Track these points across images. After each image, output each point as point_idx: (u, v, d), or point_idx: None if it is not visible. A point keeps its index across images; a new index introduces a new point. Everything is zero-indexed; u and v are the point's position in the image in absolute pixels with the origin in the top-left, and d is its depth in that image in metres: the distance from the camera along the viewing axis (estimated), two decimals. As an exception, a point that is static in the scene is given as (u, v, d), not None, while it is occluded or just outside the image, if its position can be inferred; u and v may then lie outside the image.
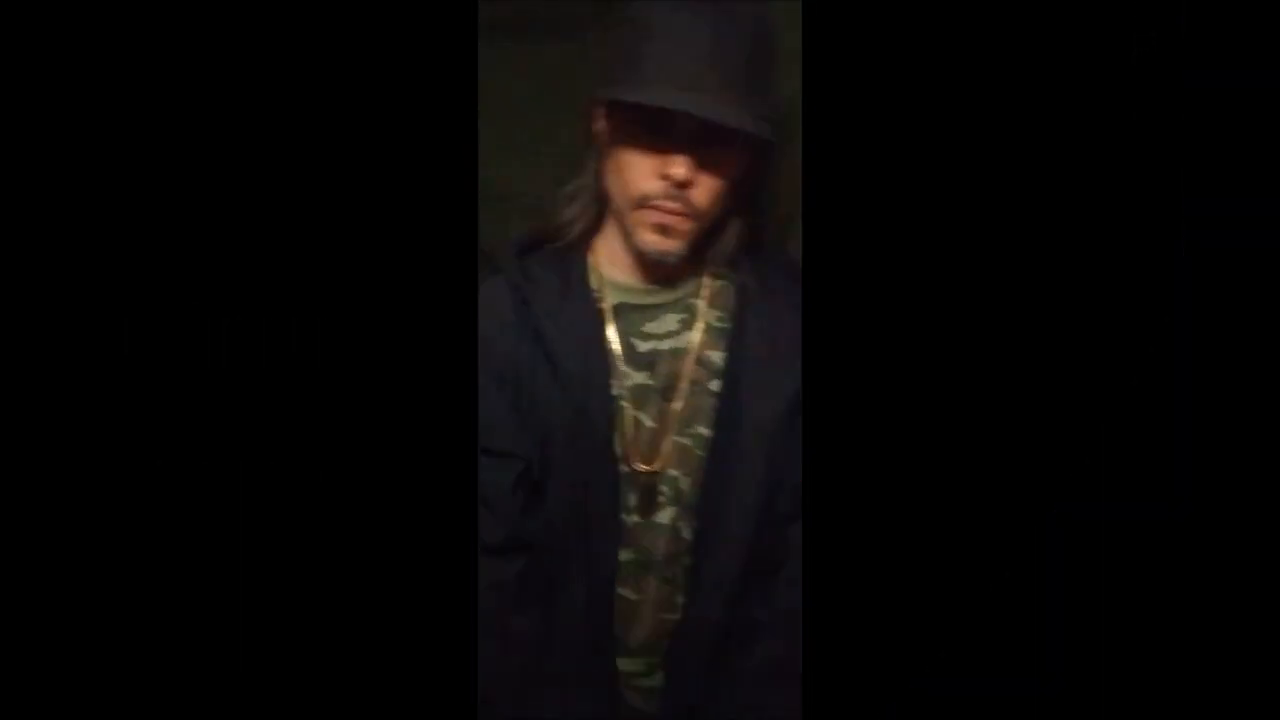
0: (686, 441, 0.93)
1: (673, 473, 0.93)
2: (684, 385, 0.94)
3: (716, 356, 0.95)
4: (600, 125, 0.91)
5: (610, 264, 0.96)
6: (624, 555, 0.93)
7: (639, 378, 0.94)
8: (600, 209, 0.96)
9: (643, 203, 0.89)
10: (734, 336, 0.95)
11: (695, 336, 0.95)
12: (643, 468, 0.93)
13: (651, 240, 0.90)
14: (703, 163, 0.87)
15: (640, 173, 0.88)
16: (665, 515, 0.93)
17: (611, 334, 0.94)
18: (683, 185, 0.87)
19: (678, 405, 0.93)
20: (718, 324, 0.96)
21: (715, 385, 0.94)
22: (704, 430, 0.93)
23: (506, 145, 1.45)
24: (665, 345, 0.95)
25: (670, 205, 0.88)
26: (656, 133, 0.86)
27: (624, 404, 0.93)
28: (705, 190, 0.89)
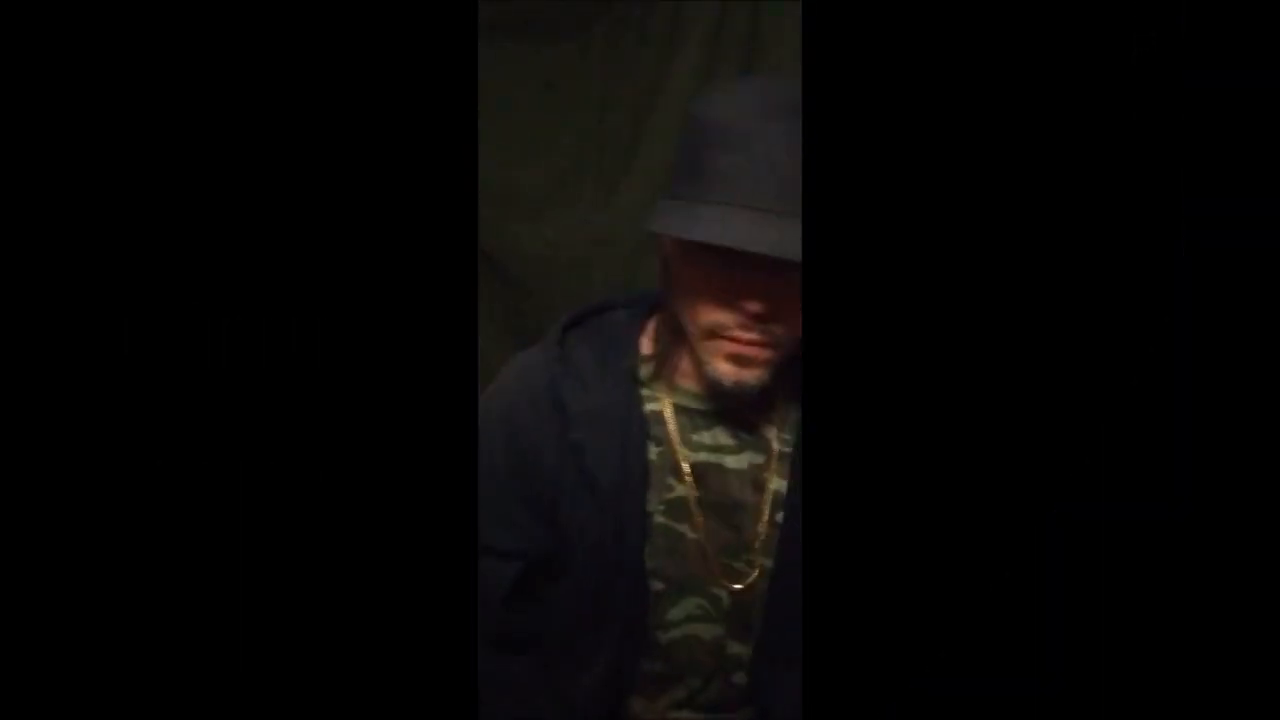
0: (757, 570, 0.85)
1: (719, 592, 0.85)
2: (752, 514, 0.84)
3: (778, 484, 0.85)
4: (666, 247, 0.81)
5: (675, 375, 0.85)
6: (653, 667, 0.86)
7: (681, 490, 0.84)
8: (672, 338, 0.84)
9: (715, 333, 0.78)
10: (795, 457, 0.84)
11: (754, 458, 0.85)
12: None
13: (726, 370, 0.79)
14: (783, 293, 0.75)
15: (711, 302, 0.77)
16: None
17: (662, 436, 0.84)
18: (760, 318, 0.76)
19: (746, 531, 0.84)
20: (782, 447, 0.85)
21: (784, 516, 0.85)
22: (764, 560, 0.85)
23: (506, 145, 1.45)
24: (717, 459, 0.85)
25: (747, 336, 0.77)
26: (724, 262, 0.74)
27: (664, 521, 0.84)
28: (787, 322, 0.77)
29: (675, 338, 0.84)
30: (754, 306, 0.75)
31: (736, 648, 0.86)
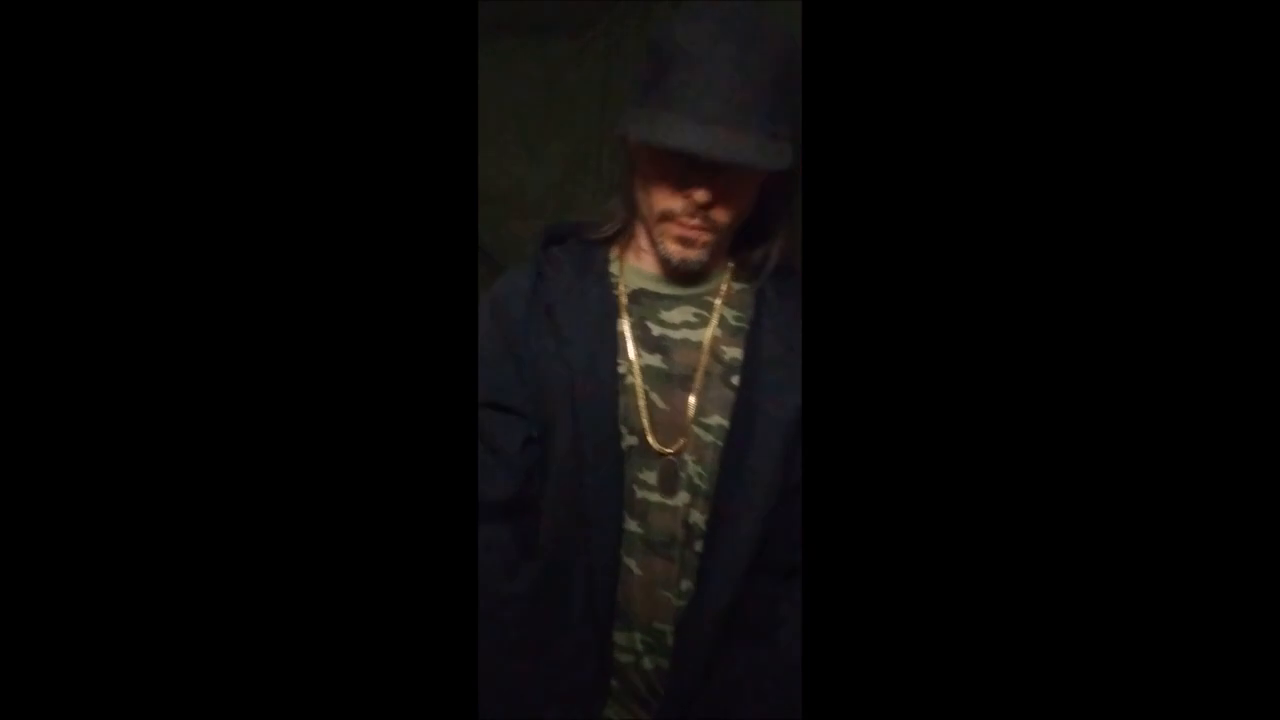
0: (702, 431, 0.95)
1: (689, 458, 0.95)
2: (699, 375, 0.97)
3: (732, 352, 0.98)
4: (631, 146, 0.96)
5: (636, 259, 1.02)
6: (632, 527, 0.95)
7: (651, 360, 0.97)
8: (630, 216, 1.02)
9: (666, 217, 0.95)
10: (750, 336, 0.98)
11: (710, 331, 0.99)
12: (659, 448, 0.95)
13: (674, 249, 0.96)
14: (724, 187, 0.93)
15: (664, 192, 0.94)
16: (680, 499, 0.95)
17: (625, 316, 0.99)
18: (704, 206, 0.93)
19: (693, 393, 0.96)
20: (734, 322, 0.99)
21: (733, 379, 0.97)
22: (720, 421, 0.96)
23: (506, 145, 1.45)
24: (678, 335, 0.99)
25: (692, 221, 0.94)
26: (678, 159, 0.91)
27: (633, 381, 0.96)
28: (726, 210, 0.94)
29: (635, 226, 1.02)
30: (700, 195, 0.92)
31: (696, 516, 0.96)
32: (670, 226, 0.95)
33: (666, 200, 0.94)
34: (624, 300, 0.99)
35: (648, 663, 0.95)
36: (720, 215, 0.94)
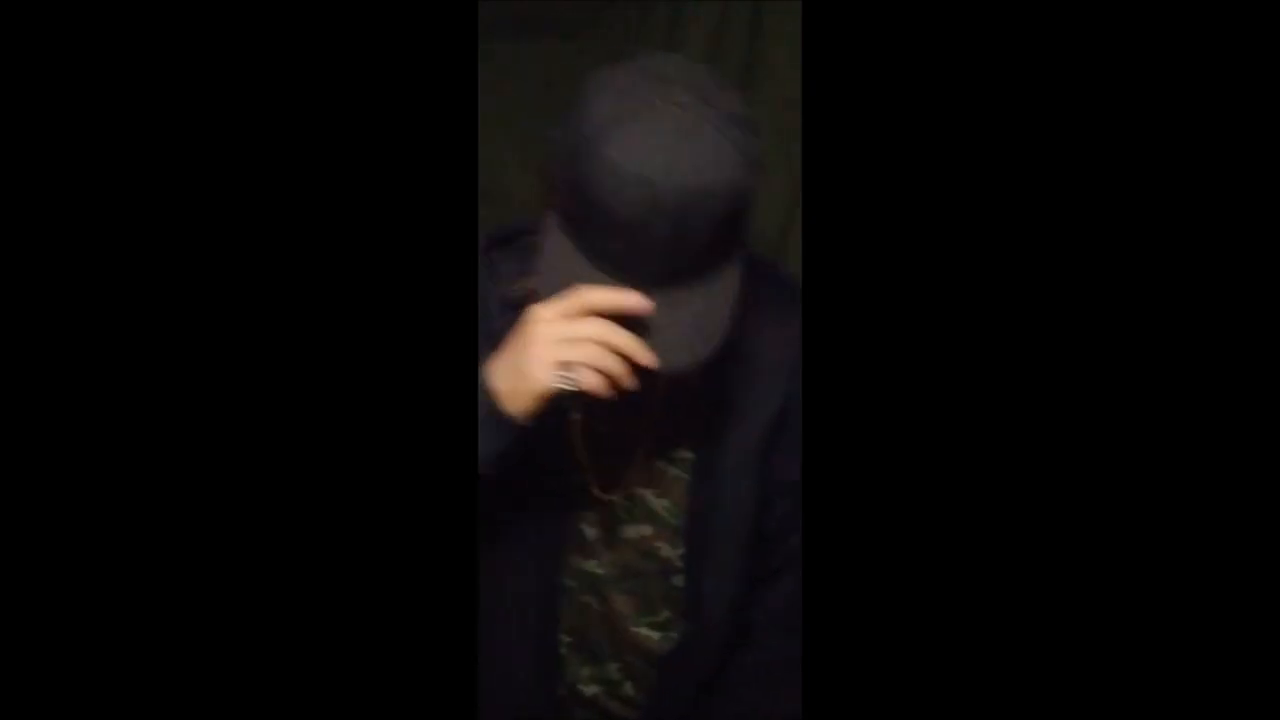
0: (662, 463, 0.92)
1: (649, 492, 0.92)
2: (656, 407, 0.89)
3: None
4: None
5: None
6: (588, 566, 0.92)
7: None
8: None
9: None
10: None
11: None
12: (602, 495, 0.90)
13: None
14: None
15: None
16: (633, 531, 0.92)
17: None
18: None
19: (648, 426, 0.90)
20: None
21: (685, 408, 0.91)
22: (685, 453, 0.92)
23: (506, 145, 1.45)
24: None
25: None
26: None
27: (576, 418, 0.89)
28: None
29: None
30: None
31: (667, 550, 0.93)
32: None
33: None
34: None
35: (630, 689, 0.95)
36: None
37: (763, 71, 1.30)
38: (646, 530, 0.93)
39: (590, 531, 0.93)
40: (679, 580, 0.93)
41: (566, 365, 0.74)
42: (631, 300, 0.74)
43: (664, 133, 0.73)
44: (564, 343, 0.74)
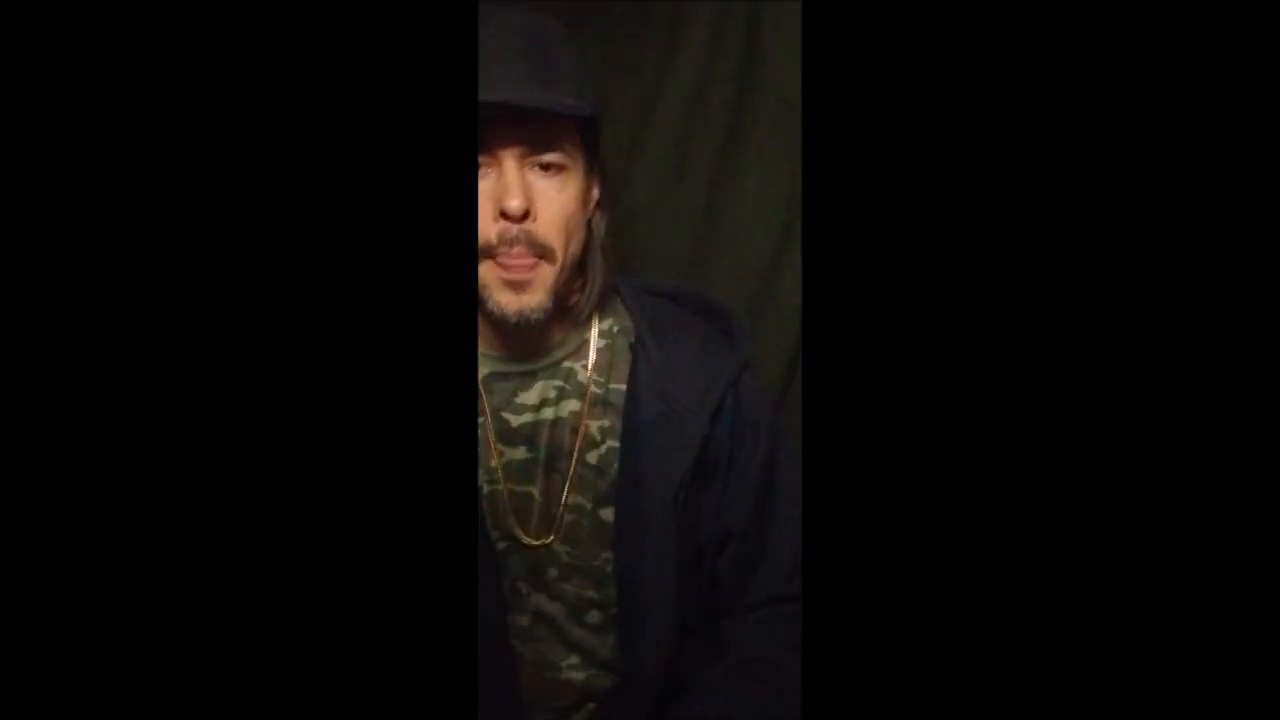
0: (575, 516, 0.91)
1: (563, 548, 0.91)
2: (569, 460, 0.89)
3: (598, 427, 0.90)
4: None
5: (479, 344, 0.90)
6: (521, 620, 0.92)
7: (514, 454, 0.90)
8: None
9: (487, 254, 0.83)
10: (627, 400, 0.90)
11: (573, 405, 0.90)
12: (530, 543, 0.90)
13: (506, 300, 0.84)
14: (536, 189, 0.83)
15: (480, 220, 0.82)
16: (569, 585, 0.92)
17: (482, 414, 0.88)
18: (521, 218, 0.82)
19: (563, 479, 0.90)
20: (595, 389, 0.92)
21: (599, 458, 0.90)
22: (597, 506, 0.90)
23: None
24: (539, 416, 0.90)
25: (515, 252, 0.83)
26: (484, 150, 0.81)
27: (498, 486, 0.89)
28: (547, 221, 0.83)
29: None
30: (513, 203, 0.80)
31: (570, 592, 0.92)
32: (492, 269, 0.83)
33: (481, 233, 0.82)
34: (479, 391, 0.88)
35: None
36: (543, 231, 0.83)
37: (763, 71, 1.30)
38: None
39: (522, 589, 0.92)
40: (611, 634, 0.92)
41: None
42: None
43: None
44: None
